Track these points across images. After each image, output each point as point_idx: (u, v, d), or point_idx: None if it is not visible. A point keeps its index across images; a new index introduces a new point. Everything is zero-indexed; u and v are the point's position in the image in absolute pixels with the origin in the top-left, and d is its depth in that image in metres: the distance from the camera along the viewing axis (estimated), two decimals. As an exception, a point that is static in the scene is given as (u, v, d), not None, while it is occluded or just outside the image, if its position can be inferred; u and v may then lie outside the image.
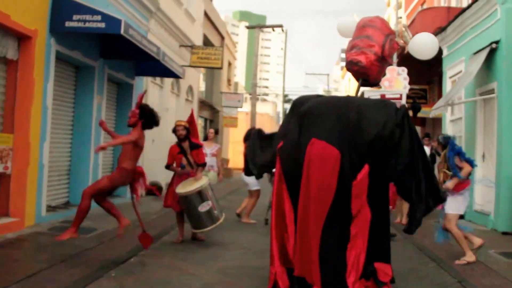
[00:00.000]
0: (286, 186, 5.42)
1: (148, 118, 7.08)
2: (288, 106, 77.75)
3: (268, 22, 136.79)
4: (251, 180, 10.74)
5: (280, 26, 34.08)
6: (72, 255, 6.53)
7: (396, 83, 11.78)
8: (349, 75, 56.67)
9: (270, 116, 58.05)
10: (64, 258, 6.32)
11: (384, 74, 6.72)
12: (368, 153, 5.09)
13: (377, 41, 5.88)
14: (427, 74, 18.35)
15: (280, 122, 49.49)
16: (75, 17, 8.59)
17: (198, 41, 19.93)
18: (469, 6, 12.04)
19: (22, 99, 8.07)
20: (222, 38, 27.07)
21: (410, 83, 11.83)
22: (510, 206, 9.98)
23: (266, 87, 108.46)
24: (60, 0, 8.62)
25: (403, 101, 10.01)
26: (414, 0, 24.20)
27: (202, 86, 25.11)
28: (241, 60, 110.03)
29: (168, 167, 8.50)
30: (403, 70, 11.62)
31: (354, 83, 36.78)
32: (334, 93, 77.92)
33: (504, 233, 9.78)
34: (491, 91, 10.96)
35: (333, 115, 5.31)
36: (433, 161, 12.42)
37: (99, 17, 8.56)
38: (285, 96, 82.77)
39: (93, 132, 10.59)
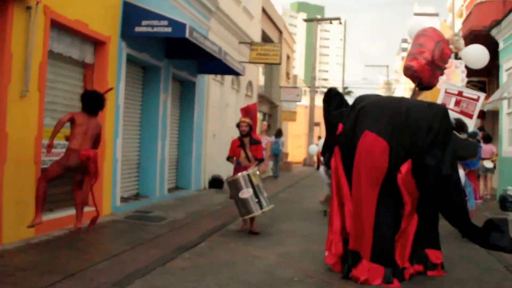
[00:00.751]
0: (342, 166, 6.19)
1: (85, 102, 6.99)
2: (347, 98, 76.82)
3: (326, 13, 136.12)
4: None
5: (338, 18, 34.12)
6: (148, 239, 7.25)
7: (453, 76, 11.87)
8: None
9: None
10: (141, 241, 7.06)
11: (442, 74, 7.17)
12: (412, 149, 5.72)
13: (427, 47, 6.62)
14: (486, 66, 18.14)
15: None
16: (143, 22, 9.29)
17: (257, 37, 20.49)
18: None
19: (98, 99, 8.86)
20: (280, 32, 27.51)
21: (469, 75, 11.90)
22: None
23: (325, 79, 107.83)
24: (130, 8, 9.33)
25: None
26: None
27: (261, 81, 25.66)
28: (299, 52, 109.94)
29: (228, 159, 9.09)
30: (461, 63, 11.69)
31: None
32: (394, 84, 76.58)
33: None
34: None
35: (386, 112, 5.99)
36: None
37: (165, 22, 9.22)
38: (344, 88, 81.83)
39: (160, 128, 11.34)
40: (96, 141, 7.17)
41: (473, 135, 8.34)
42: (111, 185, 9.25)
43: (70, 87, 8.45)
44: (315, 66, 35.35)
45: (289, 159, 30.49)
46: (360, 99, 6.54)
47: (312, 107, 32.33)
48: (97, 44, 8.83)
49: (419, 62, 6.65)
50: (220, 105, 16.32)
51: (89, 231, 7.52)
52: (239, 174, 8.33)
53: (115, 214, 9.11)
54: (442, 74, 7.22)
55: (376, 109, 6.10)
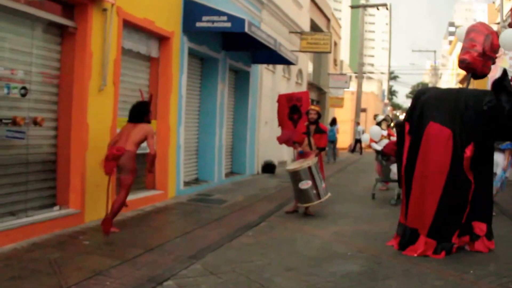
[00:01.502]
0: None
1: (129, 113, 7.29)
2: (393, 83, 74.68)
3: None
4: None
5: (385, 5, 33.88)
6: (213, 219, 7.93)
7: (502, 62, 12.04)
8: (457, 51, 54.31)
9: (375, 94, 57.19)
10: (208, 221, 7.74)
11: (494, 63, 7.64)
12: (473, 133, 6.47)
13: (478, 41, 7.19)
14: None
15: (385, 100, 48.80)
16: (204, 18, 9.90)
17: (306, 26, 20.84)
18: None
19: (163, 90, 9.57)
20: (328, 20, 27.72)
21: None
22: None
23: (371, 64, 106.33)
24: (191, 5, 9.96)
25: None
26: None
27: (309, 68, 26.01)
28: (344, 37, 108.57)
29: (294, 143, 9.46)
30: (510, 51, 11.84)
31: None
32: (441, 69, 74.89)
33: None
34: None
35: (446, 103, 6.74)
36: None
37: (225, 18, 9.81)
38: (390, 73, 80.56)
39: (218, 116, 12.00)
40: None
41: None
42: (175, 170, 9.98)
43: (138, 79, 9.18)
44: (362, 52, 35.28)
45: (337, 145, 30.70)
46: (422, 92, 7.39)
47: (359, 93, 32.42)
48: (162, 39, 9.51)
49: (472, 55, 7.20)
50: (272, 93, 16.87)
51: (159, 212, 8.27)
52: (300, 166, 8.64)
53: (179, 197, 9.83)
54: (494, 63, 7.65)
55: (438, 101, 6.82)
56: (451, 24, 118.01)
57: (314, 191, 8.59)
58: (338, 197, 10.59)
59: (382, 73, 77.05)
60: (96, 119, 7.38)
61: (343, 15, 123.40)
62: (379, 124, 12.37)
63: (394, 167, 10.31)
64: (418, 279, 5.36)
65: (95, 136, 7.34)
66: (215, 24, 9.90)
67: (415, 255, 6.30)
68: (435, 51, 63.51)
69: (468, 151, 6.41)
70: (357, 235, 7.45)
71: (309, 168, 8.57)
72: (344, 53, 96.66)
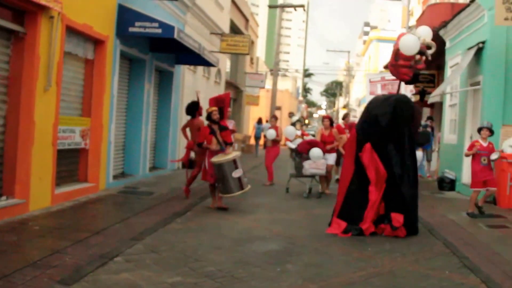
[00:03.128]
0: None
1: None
2: (308, 81, 76.68)
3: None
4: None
5: (302, 6, 35.65)
6: (145, 208, 8.92)
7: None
8: (370, 53, 57.06)
9: (289, 92, 58.83)
10: (140, 210, 8.72)
11: (410, 69, 8.70)
12: (370, 134, 8.15)
13: (393, 51, 8.62)
14: (437, 61, 20.21)
15: (300, 98, 50.85)
16: (137, 23, 10.77)
17: (226, 27, 21.98)
18: (463, 9, 13.92)
19: (97, 90, 10.35)
20: (247, 20, 29.02)
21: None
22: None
23: (287, 61, 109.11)
24: (124, 11, 10.76)
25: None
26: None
27: (227, 67, 27.13)
28: (262, 34, 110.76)
29: (199, 144, 9.85)
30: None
31: (375, 61, 38.89)
32: (355, 68, 78.08)
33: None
34: (478, 83, 13.00)
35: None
36: (428, 139, 14.76)
37: (156, 24, 10.73)
38: (305, 71, 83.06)
39: (144, 114, 12.88)
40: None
41: (425, 126, 10.71)
42: (106, 164, 10.78)
43: (75, 80, 9.91)
44: (278, 51, 36.80)
45: (252, 142, 32.07)
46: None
47: (274, 91, 33.96)
48: (97, 42, 10.27)
49: (390, 65, 8.78)
50: (192, 92, 17.83)
51: (94, 203, 9.12)
52: (233, 154, 9.33)
53: (109, 189, 10.66)
54: (410, 69, 8.51)
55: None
56: (366, 24, 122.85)
57: (245, 179, 9.33)
58: (256, 190, 11.80)
59: (296, 70, 79.51)
60: (42, 117, 8.11)
61: (261, 11, 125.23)
62: (293, 124, 13.71)
63: (306, 164, 11.70)
64: (327, 255, 6.66)
65: (41, 132, 8.08)
66: (147, 30, 10.80)
67: (326, 232, 7.85)
68: (349, 52, 66.34)
69: (364, 149, 7.97)
70: (274, 222, 8.72)
71: (236, 160, 9.24)
72: (260, 49, 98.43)
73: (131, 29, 10.83)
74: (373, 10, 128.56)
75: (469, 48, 13.43)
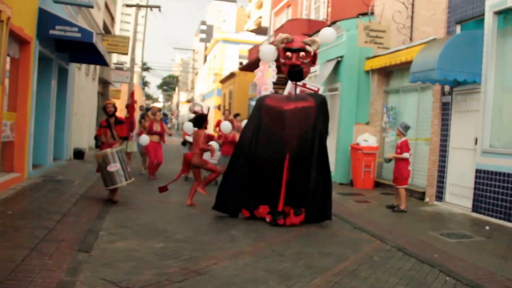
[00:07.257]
0: None
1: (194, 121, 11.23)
2: (146, 73, 76.44)
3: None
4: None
5: (158, 7, 37.09)
6: (81, 194, 10.13)
7: (267, 74, 16.14)
8: (215, 52, 59.47)
9: (139, 86, 60.08)
10: (79, 196, 9.96)
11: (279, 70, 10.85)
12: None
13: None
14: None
15: (143, 89, 51.34)
16: (57, 27, 11.78)
17: (101, 26, 22.82)
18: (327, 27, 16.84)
19: (22, 87, 11.22)
20: (113, 18, 29.73)
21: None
22: (343, 166, 15.25)
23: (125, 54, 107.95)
24: (44, 14, 11.66)
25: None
26: (282, 1, 29.01)
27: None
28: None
29: (96, 137, 10.51)
30: (273, 63, 15.90)
31: (220, 60, 41.68)
32: (191, 62, 79.82)
33: (340, 184, 15.02)
34: (337, 89, 16.06)
35: None
36: None
37: (76, 29, 11.86)
38: (144, 64, 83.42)
39: (50, 109, 13.80)
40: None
41: None
42: (27, 155, 11.68)
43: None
44: (134, 48, 37.78)
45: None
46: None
47: (131, 85, 35.01)
48: (23, 43, 11.14)
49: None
50: (77, 88, 18.74)
51: (32, 190, 10.14)
52: (108, 150, 9.48)
53: (32, 178, 11.56)
54: (279, 69, 10.76)
55: None
56: (203, 23, 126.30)
57: (122, 174, 9.45)
58: (161, 178, 13.42)
59: (136, 64, 79.40)
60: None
61: (132, 10, 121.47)
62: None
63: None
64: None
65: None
66: (67, 33, 11.83)
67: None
68: (194, 50, 68.67)
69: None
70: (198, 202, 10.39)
71: (117, 152, 9.49)
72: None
73: (51, 32, 11.77)
74: (210, 10, 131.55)
75: (328, 60, 16.45)
